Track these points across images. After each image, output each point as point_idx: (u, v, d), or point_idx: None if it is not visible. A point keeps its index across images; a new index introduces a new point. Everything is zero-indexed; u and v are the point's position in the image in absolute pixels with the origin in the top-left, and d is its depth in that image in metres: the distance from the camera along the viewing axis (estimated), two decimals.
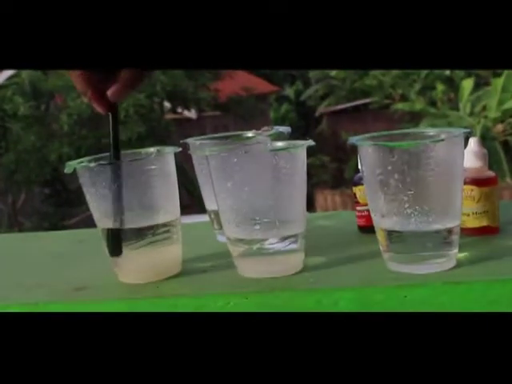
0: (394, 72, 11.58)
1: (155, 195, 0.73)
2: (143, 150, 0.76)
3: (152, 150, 0.75)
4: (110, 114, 0.70)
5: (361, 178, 0.78)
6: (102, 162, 0.71)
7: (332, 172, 12.82)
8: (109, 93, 0.67)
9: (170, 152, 0.74)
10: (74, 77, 0.68)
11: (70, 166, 0.71)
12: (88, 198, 0.73)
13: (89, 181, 0.71)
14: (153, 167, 0.72)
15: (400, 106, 11.01)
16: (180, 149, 0.76)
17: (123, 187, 0.69)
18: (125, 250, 0.72)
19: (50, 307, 0.68)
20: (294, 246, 0.70)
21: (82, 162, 0.72)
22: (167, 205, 0.74)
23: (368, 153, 0.68)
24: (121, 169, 0.70)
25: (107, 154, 0.74)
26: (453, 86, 10.98)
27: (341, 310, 0.64)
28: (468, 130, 0.68)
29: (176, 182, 0.75)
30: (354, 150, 0.72)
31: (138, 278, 0.73)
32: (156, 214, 0.73)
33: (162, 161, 0.73)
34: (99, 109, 0.69)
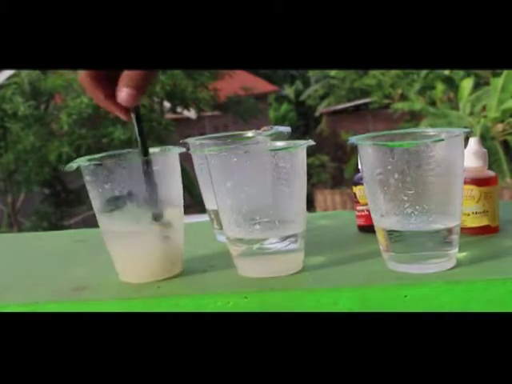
0: (394, 71, 11.60)
1: (160, 194, 0.73)
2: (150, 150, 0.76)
3: (157, 149, 0.75)
4: (133, 116, 0.70)
5: (361, 178, 0.78)
6: (120, 160, 0.72)
7: (332, 172, 12.84)
8: (121, 99, 0.67)
9: (175, 152, 0.74)
10: (90, 90, 0.68)
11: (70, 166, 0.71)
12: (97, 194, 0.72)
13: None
14: (158, 166, 0.72)
15: (400, 105, 11.02)
16: (183, 149, 0.76)
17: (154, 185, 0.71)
18: (126, 249, 0.72)
19: (50, 307, 0.68)
20: (293, 246, 0.70)
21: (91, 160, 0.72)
22: (171, 203, 0.74)
23: (368, 152, 0.68)
24: (151, 165, 0.70)
25: (109, 152, 0.74)
26: (452, 85, 10.99)
27: (340, 309, 0.64)
28: (468, 130, 0.68)
29: (181, 182, 0.75)
30: (353, 149, 0.72)
31: (138, 278, 0.73)
32: (160, 213, 0.73)
33: (168, 160, 0.73)
34: (122, 116, 0.70)
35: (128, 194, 0.70)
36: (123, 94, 0.66)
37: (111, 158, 0.73)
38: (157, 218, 0.71)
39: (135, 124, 0.70)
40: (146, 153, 0.71)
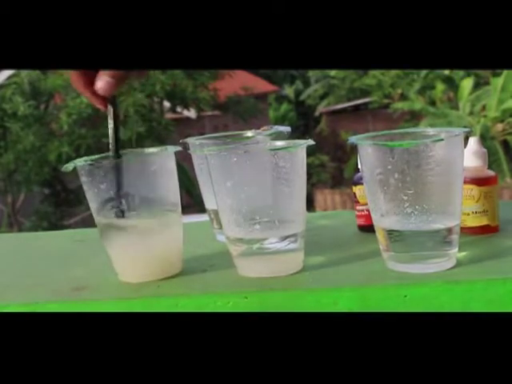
0: (394, 71, 11.59)
1: (157, 194, 0.73)
2: (145, 150, 0.76)
3: (153, 149, 0.75)
4: (109, 108, 0.69)
5: (360, 178, 0.78)
6: (100, 160, 0.72)
7: (331, 171, 12.84)
8: (98, 87, 0.67)
9: (171, 151, 0.74)
10: (71, 76, 0.68)
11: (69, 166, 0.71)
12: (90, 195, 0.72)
13: (93, 179, 0.71)
14: (155, 166, 0.72)
15: (399, 105, 11.02)
16: (180, 148, 0.76)
17: (124, 185, 0.70)
18: (124, 250, 0.72)
19: (50, 307, 0.68)
20: (293, 246, 0.70)
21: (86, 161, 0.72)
22: (169, 203, 0.74)
23: (368, 152, 0.68)
24: (121, 165, 0.70)
25: (106, 153, 0.74)
26: (452, 85, 10.99)
27: (340, 309, 0.64)
28: (468, 130, 0.68)
29: (177, 181, 0.75)
30: (353, 149, 0.72)
31: (137, 278, 0.73)
32: (158, 213, 0.73)
33: (165, 159, 0.73)
34: (98, 105, 0.69)
35: (125, 194, 0.70)
36: (101, 81, 0.66)
37: (108, 158, 0.73)
38: (118, 214, 0.71)
39: (110, 117, 0.70)
40: (117, 146, 0.70)
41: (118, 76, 0.67)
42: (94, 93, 0.68)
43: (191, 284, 0.71)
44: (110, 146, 0.71)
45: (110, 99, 0.69)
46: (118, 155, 0.70)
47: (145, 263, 0.73)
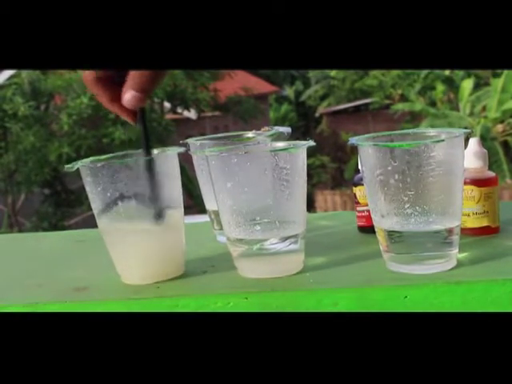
0: (394, 72, 11.60)
1: (161, 194, 0.72)
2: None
3: (157, 150, 0.75)
4: (139, 118, 0.70)
5: (361, 179, 0.78)
6: (104, 161, 0.72)
7: (332, 172, 12.84)
8: (126, 101, 0.67)
9: (175, 152, 0.74)
10: (96, 91, 0.68)
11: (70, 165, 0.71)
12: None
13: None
14: (158, 167, 0.72)
15: (400, 106, 11.02)
16: (182, 149, 0.76)
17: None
18: (126, 251, 0.72)
19: (50, 307, 0.68)
20: (294, 247, 0.70)
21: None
22: (172, 205, 0.74)
23: (368, 153, 0.68)
24: (154, 165, 0.71)
25: (111, 154, 0.74)
26: (453, 86, 10.99)
27: (341, 310, 0.64)
28: (468, 131, 0.68)
29: (180, 182, 0.75)
30: (354, 150, 0.72)
31: (139, 280, 0.72)
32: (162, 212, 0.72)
33: (168, 160, 0.73)
34: (127, 119, 0.70)
35: (128, 196, 0.70)
36: (128, 96, 0.67)
37: (112, 159, 0.73)
38: (158, 217, 0.71)
39: (140, 125, 0.71)
40: (149, 153, 0.71)
41: (145, 88, 0.67)
42: (122, 107, 0.68)
43: (191, 285, 0.71)
44: (143, 150, 0.71)
45: (139, 112, 0.70)
46: (150, 157, 0.71)
47: (147, 265, 0.72)
